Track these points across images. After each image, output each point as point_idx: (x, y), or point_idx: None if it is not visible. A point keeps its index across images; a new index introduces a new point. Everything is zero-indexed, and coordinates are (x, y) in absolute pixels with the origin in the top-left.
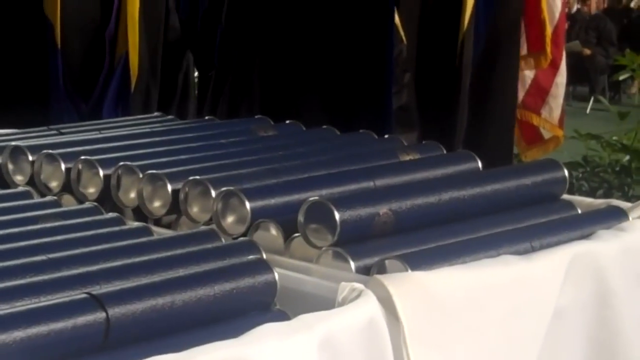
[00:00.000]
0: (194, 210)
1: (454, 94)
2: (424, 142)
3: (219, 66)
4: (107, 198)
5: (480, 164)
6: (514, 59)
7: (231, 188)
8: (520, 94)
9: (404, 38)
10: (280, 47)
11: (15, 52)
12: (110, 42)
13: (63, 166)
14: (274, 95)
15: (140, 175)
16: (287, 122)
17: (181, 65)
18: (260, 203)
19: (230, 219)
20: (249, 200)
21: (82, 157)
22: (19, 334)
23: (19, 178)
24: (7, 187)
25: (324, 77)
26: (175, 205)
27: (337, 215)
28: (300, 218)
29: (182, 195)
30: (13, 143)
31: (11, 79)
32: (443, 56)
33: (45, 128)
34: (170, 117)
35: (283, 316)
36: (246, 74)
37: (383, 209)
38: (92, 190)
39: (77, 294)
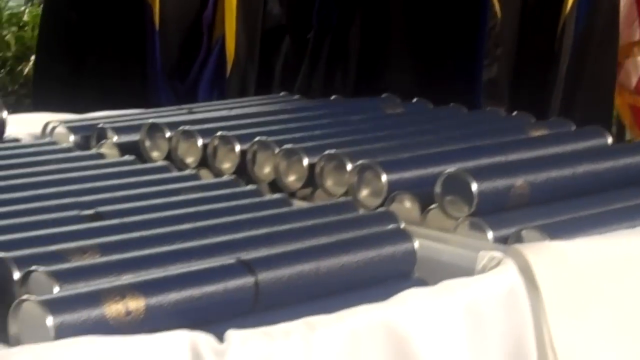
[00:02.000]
0: (329, 183)
1: (550, 77)
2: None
3: (318, 28)
4: (243, 173)
5: (610, 140)
6: (612, 46)
7: (367, 161)
8: (633, 80)
9: (498, 12)
10: (378, 11)
11: (114, 34)
12: (208, 25)
13: (200, 142)
14: (367, 61)
15: (276, 150)
16: (414, 100)
17: (279, 51)
18: (395, 176)
19: (365, 192)
20: (385, 173)
21: (219, 133)
22: (174, 296)
23: (155, 154)
24: (145, 163)
25: (416, 44)
26: (311, 179)
27: (474, 186)
28: (437, 189)
29: (317, 169)
30: (150, 120)
31: (110, 60)
32: (542, 38)
33: (175, 108)
34: (296, 96)
35: (423, 284)
36: (342, 41)
37: (519, 181)
38: (227, 165)
39: (227, 260)
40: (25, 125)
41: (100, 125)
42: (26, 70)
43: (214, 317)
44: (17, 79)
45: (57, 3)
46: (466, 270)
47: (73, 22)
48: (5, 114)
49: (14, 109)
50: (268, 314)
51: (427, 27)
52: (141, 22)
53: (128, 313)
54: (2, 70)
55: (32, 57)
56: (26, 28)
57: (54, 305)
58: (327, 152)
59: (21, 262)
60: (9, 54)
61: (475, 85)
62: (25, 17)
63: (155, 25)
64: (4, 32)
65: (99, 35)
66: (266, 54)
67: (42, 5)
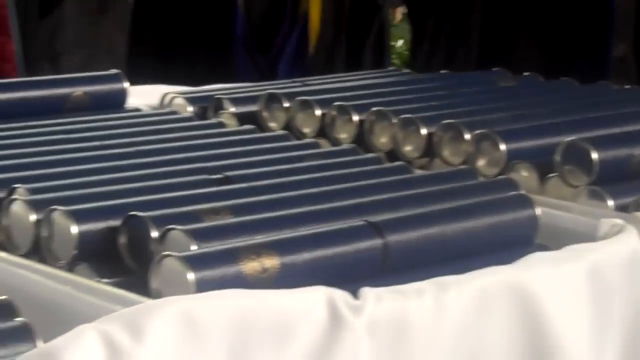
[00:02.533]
0: (446, 153)
1: None
2: None
3: (438, 13)
4: (360, 142)
5: None
6: None
7: (485, 130)
8: None
9: None
10: None
11: (198, 7)
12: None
13: (318, 112)
14: (490, 41)
15: (394, 120)
16: (526, 74)
17: (371, 29)
18: (513, 145)
19: (483, 161)
20: (504, 142)
21: (336, 103)
22: (306, 256)
23: (272, 124)
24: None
25: (543, 22)
26: (429, 149)
27: (594, 155)
28: (557, 158)
29: (435, 139)
30: (268, 90)
31: (195, 33)
32: None
33: (289, 80)
34: (406, 70)
35: (546, 250)
36: (464, 20)
37: (638, 150)
38: (345, 135)
39: (356, 222)
40: (139, 97)
41: (217, 96)
42: None
43: (344, 277)
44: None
45: None
46: (588, 237)
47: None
48: (127, 84)
49: None
50: (395, 275)
51: (554, 6)
52: None
53: (264, 270)
54: None
55: None
56: None
57: (195, 261)
58: (444, 121)
59: (158, 221)
60: None
61: (604, 64)
62: None
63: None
64: None
65: (186, 11)
66: (354, 33)
67: None
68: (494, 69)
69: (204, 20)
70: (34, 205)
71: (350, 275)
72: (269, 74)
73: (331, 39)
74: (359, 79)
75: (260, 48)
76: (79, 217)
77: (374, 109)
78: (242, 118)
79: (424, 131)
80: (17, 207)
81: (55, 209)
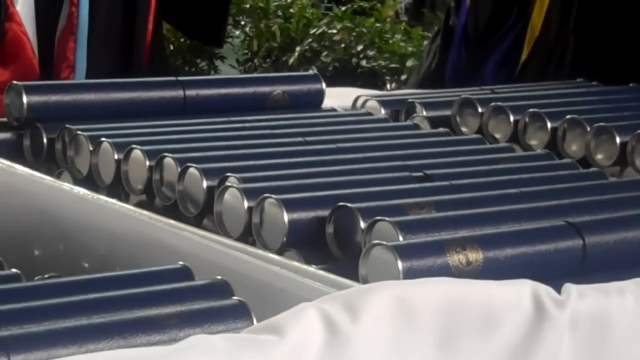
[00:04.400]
0: (639, 162)
1: None
2: None
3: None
4: (551, 149)
5: None
6: None
7: None
8: None
9: None
10: None
11: None
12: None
13: (511, 118)
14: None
15: (588, 128)
16: None
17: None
18: None
19: None
20: None
21: (530, 110)
22: (509, 252)
23: (465, 129)
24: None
25: None
26: (621, 157)
27: None
28: None
29: (629, 147)
30: (463, 95)
31: None
32: None
33: (477, 88)
34: (594, 83)
35: None
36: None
37: None
38: (536, 142)
39: (557, 222)
40: (331, 99)
41: (409, 100)
42: (291, 60)
43: (544, 274)
44: (282, 69)
45: None
46: None
47: None
48: (323, 85)
49: None
50: (594, 275)
51: None
52: None
53: (468, 263)
54: (267, 60)
55: (297, 48)
56: (292, 20)
57: (404, 251)
58: (639, 131)
59: (365, 213)
60: (275, 45)
61: None
62: (292, 10)
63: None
64: (271, 23)
65: None
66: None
67: None
68: None
69: None
70: (246, 194)
71: (550, 273)
72: (478, 66)
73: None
74: (547, 89)
75: (479, 39)
76: (289, 206)
77: (568, 116)
78: (433, 122)
79: (618, 140)
80: (230, 195)
81: (267, 197)
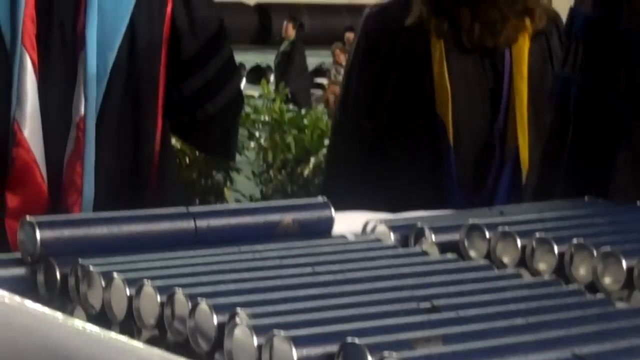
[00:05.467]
0: None
1: None
2: None
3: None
4: (559, 273)
5: None
6: None
7: None
8: None
9: None
10: None
11: (409, 146)
12: (500, 136)
13: (519, 242)
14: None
15: (594, 252)
16: None
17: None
18: None
19: None
20: None
21: (537, 234)
22: None
23: (473, 253)
24: (466, 261)
25: None
26: (628, 282)
27: None
28: None
29: (636, 272)
30: (470, 221)
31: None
32: None
33: (486, 209)
34: (600, 200)
35: None
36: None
37: None
38: (545, 266)
39: (564, 354)
40: (341, 222)
41: (418, 225)
42: (306, 172)
43: None
44: (297, 180)
45: (355, 111)
46: None
47: (367, 132)
48: (332, 212)
49: None
50: None
51: None
52: (435, 136)
53: None
54: (282, 172)
55: (312, 159)
56: (306, 131)
57: None
58: None
59: (373, 349)
60: (290, 156)
61: None
62: (305, 121)
63: (450, 141)
64: (285, 135)
65: (393, 146)
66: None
67: (335, 113)
68: None
69: (414, 158)
70: (256, 330)
71: None
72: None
73: (541, 169)
74: (556, 209)
75: (472, 186)
76: (298, 342)
77: (574, 241)
78: (443, 247)
79: (624, 264)
80: (240, 332)
81: (276, 334)
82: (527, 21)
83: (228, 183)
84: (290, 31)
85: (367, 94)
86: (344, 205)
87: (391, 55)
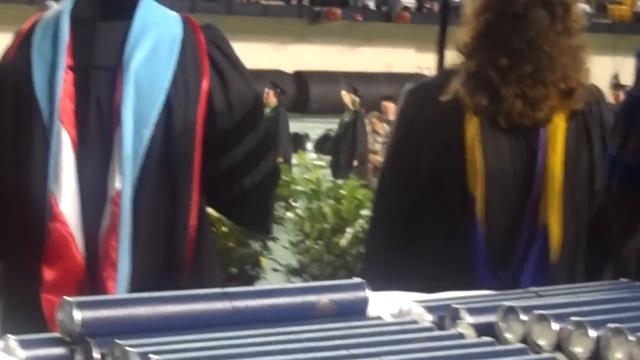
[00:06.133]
0: None
1: None
2: None
3: None
4: (596, 356)
5: None
6: None
7: None
8: None
9: None
10: None
11: (442, 220)
12: (531, 212)
13: (555, 326)
14: None
15: (630, 337)
16: None
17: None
18: None
19: None
20: None
21: (572, 318)
22: None
23: (509, 336)
24: (502, 344)
25: None
26: None
27: None
28: None
29: None
30: (506, 303)
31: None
32: None
33: (522, 290)
34: (638, 282)
35: None
36: None
37: None
38: (581, 350)
39: None
40: (377, 302)
41: (454, 306)
42: (342, 242)
43: None
44: (333, 250)
45: (391, 187)
46: None
47: (407, 207)
48: (368, 292)
49: (330, 279)
50: None
51: None
52: (465, 210)
53: None
54: (319, 241)
55: (348, 230)
56: (343, 201)
57: None
58: None
59: None
60: (326, 226)
61: None
62: (342, 191)
63: (478, 215)
64: (322, 204)
65: (429, 221)
66: (595, 239)
67: (377, 187)
68: None
69: (446, 232)
70: None
71: None
72: (510, 286)
73: (571, 248)
74: (592, 291)
75: (500, 261)
76: None
77: (610, 325)
78: (478, 329)
79: None
80: None
81: None
82: (566, 100)
83: (265, 252)
84: (271, 98)
85: (402, 171)
86: (381, 275)
87: (426, 132)
